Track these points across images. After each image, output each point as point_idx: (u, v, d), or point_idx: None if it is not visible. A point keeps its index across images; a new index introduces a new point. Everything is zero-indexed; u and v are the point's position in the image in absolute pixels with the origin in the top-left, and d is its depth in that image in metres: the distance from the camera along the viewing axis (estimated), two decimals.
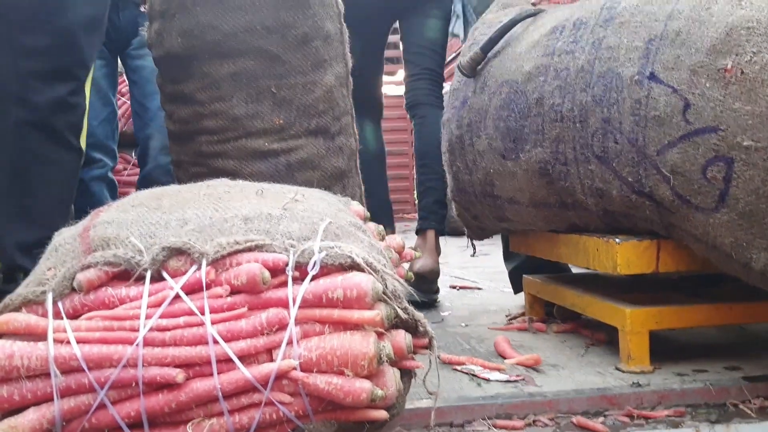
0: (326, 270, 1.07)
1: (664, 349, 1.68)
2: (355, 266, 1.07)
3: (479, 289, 2.99)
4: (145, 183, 2.89)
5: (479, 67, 1.90)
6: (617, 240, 1.57)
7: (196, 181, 2.21)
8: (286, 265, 1.07)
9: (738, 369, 1.53)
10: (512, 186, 1.87)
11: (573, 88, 1.60)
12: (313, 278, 1.06)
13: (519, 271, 2.40)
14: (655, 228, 1.56)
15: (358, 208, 1.68)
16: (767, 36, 1.26)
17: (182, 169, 2.24)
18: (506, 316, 2.29)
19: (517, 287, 2.45)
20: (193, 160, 2.17)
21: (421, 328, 1.10)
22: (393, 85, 11.17)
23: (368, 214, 1.74)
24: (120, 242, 1.08)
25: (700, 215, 1.40)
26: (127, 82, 3.26)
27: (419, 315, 1.11)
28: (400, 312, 1.06)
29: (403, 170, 10.02)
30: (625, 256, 1.57)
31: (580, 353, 1.76)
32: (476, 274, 3.39)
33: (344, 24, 2.22)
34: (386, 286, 1.07)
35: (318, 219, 1.18)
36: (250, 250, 1.08)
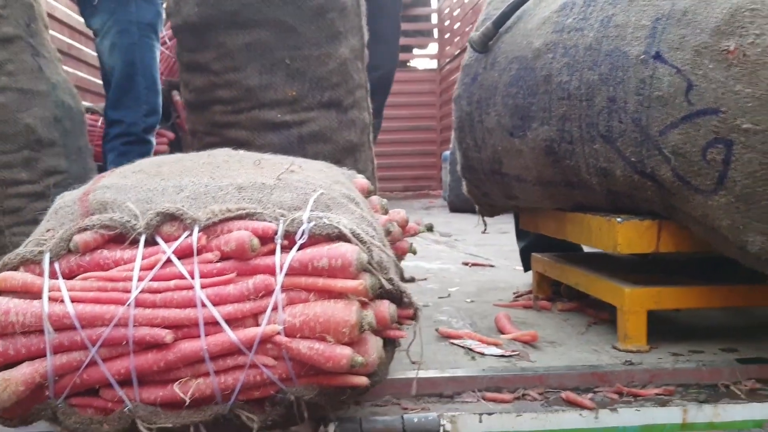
0: (314, 240, 1.10)
1: (664, 329, 1.68)
2: (342, 237, 1.09)
3: (492, 266, 2.99)
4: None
5: (491, 42, 1.89)
6: (618, 219, 1.57)
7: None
8: (275, 233, 1.09)
9: (734, 351, 1.53)
10: (519, 164, 1.87)
11: (581, 65, 1.59)
12: (301, 247, 1.09)
13: (529, 249, 2.40)
14: (656, 209, 1.55)
15: (362, 181, 1.70)
16: None
17: (197, 139, 2.28)
18: (513, 293, 2.30)
19: (527, 265, 2.45)
20: (208, 130, 2.21)
21: (405, 300, 1.12)
22: (427, 58, 10.91)
23: (373, 187, 1.76)
24: (117, 206, 1.12)
25: (699, 197, 1.39)
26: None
27: (404, 286, 1.13)
28: (384, 282, 1.09)
29: (430, 146, 9.88)
30: (626, 235, 1.56)
31: (580, 331, 1.76)
32: (491, 252, 3.39)
33: None
34: (372, 257, 1.09)
35: (311, 190, 1.20)
36: (241, 218, 1.11)
